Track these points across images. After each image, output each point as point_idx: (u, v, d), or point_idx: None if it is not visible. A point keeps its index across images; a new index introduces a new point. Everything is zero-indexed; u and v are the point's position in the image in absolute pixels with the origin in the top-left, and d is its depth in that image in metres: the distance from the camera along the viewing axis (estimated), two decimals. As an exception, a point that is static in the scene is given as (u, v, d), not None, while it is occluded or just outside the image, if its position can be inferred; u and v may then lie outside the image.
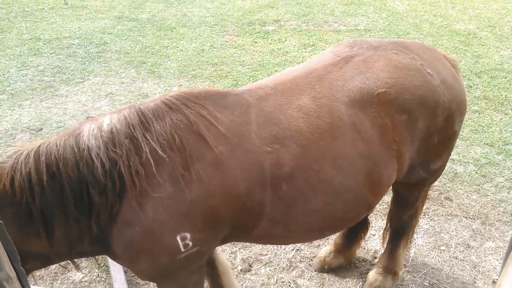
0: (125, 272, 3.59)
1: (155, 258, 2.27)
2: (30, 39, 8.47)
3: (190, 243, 2.23)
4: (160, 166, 2.12)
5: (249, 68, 7.40)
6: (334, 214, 2.55)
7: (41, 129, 5.62)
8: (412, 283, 3.69)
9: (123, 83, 6.90)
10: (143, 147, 2.11)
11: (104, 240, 2.22)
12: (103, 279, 3.65)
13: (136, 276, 3.52)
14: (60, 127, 5.67)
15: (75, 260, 2.46)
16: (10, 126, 5.67)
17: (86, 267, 3.73)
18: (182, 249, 2.23)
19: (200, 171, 2.16)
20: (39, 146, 2.10)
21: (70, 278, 3.65)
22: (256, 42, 8.54)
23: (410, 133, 2.58)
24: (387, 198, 4.20)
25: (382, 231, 3.71)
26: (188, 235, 2.21)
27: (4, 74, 7.05)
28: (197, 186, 2.16)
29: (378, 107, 2.47)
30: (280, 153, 2.30)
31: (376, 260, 3.85)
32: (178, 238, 2.20)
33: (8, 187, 2.03)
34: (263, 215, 2.39)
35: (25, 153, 2.09)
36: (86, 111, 6.08)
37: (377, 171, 2.53)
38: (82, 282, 3.60)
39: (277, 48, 8.24)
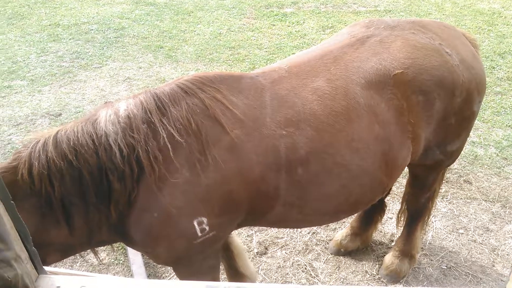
0: (143, 255, 3.66)
1: (172, 243, 2.30)
2: (49, 25, 8.54)
3: (207, 228, 2.25)
4: (177, 151, 2.11)
5: (266, 51, 7.35)
6: (350, 197, 2.54)
7: (60, 114, 5.71)
8: (429, 266, 3.67)
9: (140, 68, 6.93)
10: (160, 132, 2.10)
11: (122, 227, 2.23)
12: (121, 261, 3.72)
13: (154, 258, 3.58)
14: (79, 112, 5.74)
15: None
16: (30, 112, 5.76)
17: (104, 250, 3.81)
18: (199, 234, 2.25)
19: (216, 155, 2.16)
20: (57, 134, 2.09)
21: (89, 260, 3.72)
22: (273, 25, 8.45)
23: (426, 114, 2.53)
24: (404, 180, 4.16)
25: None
26: (205, 220, 2.23)
27: (24, 60, 7.15)
28: (214, 170, 2.17)
29: (394, 88, 2.43)
30: (295, 136, 2.28)
31: (393, 243, 3.83)
32: (195, 223, 2.22)
33: (26, 176, 2.01)
34: (278, 199, 2.39)
35: (42, 141, 2.07)
36: (104, 96, 6.14)
37: (392, 153, 2.50)
38: (100, 264, 3.68)
39: (295, 31, 8.15)
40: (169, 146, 2.09)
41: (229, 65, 6.94)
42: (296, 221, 2.68)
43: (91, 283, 1.16)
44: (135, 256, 3.55)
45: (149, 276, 3.54)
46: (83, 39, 7.91)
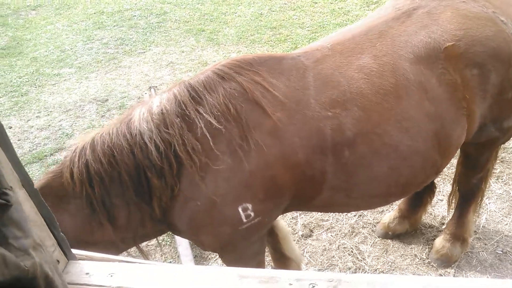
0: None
1: (217, 230, 2.28)
2: (94, 13, 8.72)
3: (252, 214, 2.22)
4: (217, 138, 2.07)
5: (308, 30, 7.19)
6: (400, 179, 2.44)
7: (106, 100, 5.83)
8: (483, 251, 3.51)
9: (183, 52, 6.96)
10: (197, 122, 2.07)
11: (166, 219, 2.24)
12: (168, 242, 3.78)
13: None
14: (124, 97, 5.84)
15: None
16: (78, 98, 5.92)
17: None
18: (244, 220, 2.22)
19: (258, 140, 2.10)
20: (94, 137, 2.13)
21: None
22: (316, 2, 8.25)
23: (481, 89, 2.37)
24: (454, 160, 3.98)
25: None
26: (249, 206, 2.19)
27: (72, 49, 7.35)
28: (256, 155, 2.12)
29: (445, 62, 2.29)
30: (341, 117, 2.19)
31: (443, 227, 3.68)
32: (240, 209, 2.19)
33: (69, 180, 2.09)
34: (325, 183, 2.32)
35: (80, 145, 2.13)
36: (148, 81, 6.21)
37: (446, 131, 2.37)
38: (148, 245, 3.75)
39: (338, 8, 7.91)
40: (207, 134, 2.05)
41: (270, 46, 6.85)
42: (343, 205, 2.61)
43: (121, 270, 1.15)
44: (182, 239, 3.59)
45: (195, 257, 3.58)
46: (126, 26, 8.02)
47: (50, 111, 5.68)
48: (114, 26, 8.06)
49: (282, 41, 6.94)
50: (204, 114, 2.07)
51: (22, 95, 6.08)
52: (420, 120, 2.29)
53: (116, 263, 1.19)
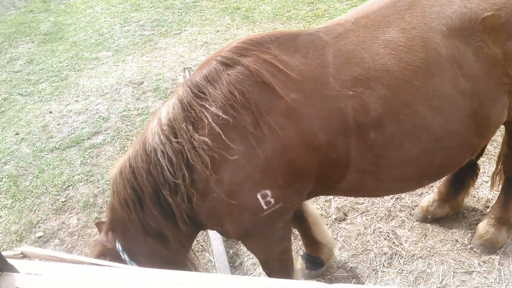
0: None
1: (238, 219, 2.22)
2: (132, -5, 8.76)
3: (272, 200, 2.13)
4: (226, 129, 1.99)
5: (347, 4, 6.90)
6: (433, 161, 2.27)
7: (142, 82, 5.85)
8: (532, 236, 3.25)
9: (218, 31, 6.86)
10: (204, 119, 1.99)
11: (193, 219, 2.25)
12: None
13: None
14: (159, 79, 5.84)
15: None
16: (114, 81, 5.97)
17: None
18: (264, 207, 2.14)
19: (271, 123, 1.99)
20: (121, 165, 2.19)
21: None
22: (355, -25, 7.90)
23: (526, 63, 2.14)
24: (500, 138, 3.70)
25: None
26: (269, 192, 2.10)
27: (109, 32, 7.42)
28: (271, 140, 2.01)
29: (484, 35, 2.07)
30: (365, 96, 2.04)
31: (488, 210, 3.44)
32: (259, 196, 2.11)
33: (118, 209, 2.23)
34: (349, 166, 2.19)
35: (115, 171, 2.21)
36: (183, 62, 6.18)
37: (484, 110, 2.17)
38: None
39: (379, -21, 7.54)
40: (216, 128, 1.98)
41: (307, 22, 6.63)
42: (373, 189, 2.47)
43: (54, 280, 1.08)
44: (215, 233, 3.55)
45: (226, 241, 3.54)
46: (162, 7, 8.00)
47: (88, 95, 5.77)
48: (150, 7, 8.06)
49: (319, 16, 6.69)
50: (210, 108, 1.99)
51: (62, 80, 6.21)
52: (455, 99, 2.10)
53: (55, 269, 1.14)
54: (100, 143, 4.85)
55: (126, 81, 5.94)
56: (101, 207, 4.06)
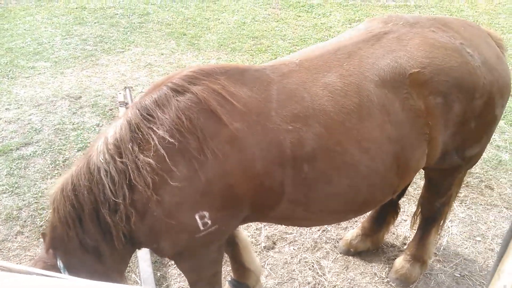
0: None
1: (175, 238, 2.28)
2: (76, 8, 8.61)
3: (209, 222, 2.21)
4: (171, 152, 2.07)
5: (289, 43, 7.24)
6: (358, 197, 2.46)
7: (80, 97, 5.74)
8: (441, 273, 3.55)
9: (162, 54, 6.91)
10: (151, 140, 2.07)
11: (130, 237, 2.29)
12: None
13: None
14: (99, 95, 5.76)
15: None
16: (51, 93, 5.81)
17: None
18: (201, 228, 2.22)
19: (215, 149, 2.10)
20: (63, 182, 2.20)
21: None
22: (299, 16, 8.32)
23: (445, 117, 2.41)
24: (421, 182, 4.03)
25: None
26: (206, 214, 2.19)
27: (49, 42, 7.22)
28: (213, 164, 2.11)
29: (410, 88, 2.32)
30: (302, 132, 2.20)
31: (405, 247, 3.72)
32: (197, 217, 2.18)
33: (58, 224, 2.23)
34: (283, 195, 2.32)
35: (56, 188, 2.22)
36: (125, 81, 6.14)
37: (405, 155, 2.40)
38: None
39: (321, 23, 8.00)
40: (161, 150, 2.05)
41: (251, 55, 6.86)
42: (302, 219, 2.61)
43: None
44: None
45: (154, 263, 3.53)
46: (107, 23, 7.94)
47: (21, 104, 5.55)
48: (95, 23, 7.97)
49: (262, 51, 6.96)
50: (158, 131, 2.07)
51: (-7, 86, 5.94)
52: (380, 142, 2.31)
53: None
54: (30, 154, 4.67)
55: (63, 94, 5.79)
56: (25, 221, 3.90)
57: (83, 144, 4.81)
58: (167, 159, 2.04)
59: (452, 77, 2.35)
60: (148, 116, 2.11)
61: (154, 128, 2.08)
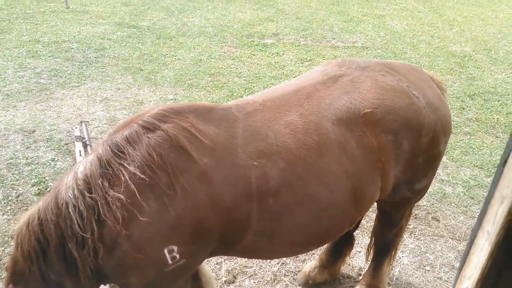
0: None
1: (144, 272, 2.29)
2: (29, 41, 8.51)
3: (178, 256, 2.25)
4: (142, 187, 2.12)
5: (245, 80, 7.46)
6: (319, 228, 2.58)
7: (34, 131, 5.63)
8: (395, 302, 3.70)
9: (119, 89, 6.93)
10: (122, 176, 2.12)
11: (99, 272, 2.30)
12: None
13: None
14: (53, 130, 5.67)
15: None
16: (3, 127, 5.67)
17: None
18: (170, 262, 2.25)
19: (185, 184, 2.17)
20: (29, 216, 2.20)
21: None
22: (254, 55, 8.61)
23: (395, 153, 2.62)
24: (373, 214, 4.22)
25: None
26: (175, 248, 2.23)
27: (0, 75, 7.07)
28: (183, 199, 2.18)
29: (364, 126, 2.51)
30: (267, 168, 2.32)
31: (360, 277, 3.86)
32: (166, 251, 2.22)
33: (20, 261, 2.21)
34: (249, 228, 2.41)
35: (22, 222, 2.21)
36: (80, 115, 6.09)
37: (361, 188, 2.56)
38: None
39: (274, 62, 8.31)
40: (132, 186, 2.10)
41: (208, 91, 7.01)
42: (266, 251, 2.70)
43: None
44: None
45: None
46: (62, 57, 7.88)
47: (-30, 138, 5.38)
48: (49, 56, 7.89)
49: (219, 87, 7.12)
50: (128, 167, 2.12)
51: None
52: (339, 176, 2.47)
53: None
54: (-20, 190, 4.52)
55: (16, 127, 5.67)
56: (-25, 261, 3.75)
57: (37, 179, 4.71)
58: (137, 195, 2.09)
59: (401, 116, 2.57)
60: (119, 153, 2.16)
61: (125, 164, 2.13)
